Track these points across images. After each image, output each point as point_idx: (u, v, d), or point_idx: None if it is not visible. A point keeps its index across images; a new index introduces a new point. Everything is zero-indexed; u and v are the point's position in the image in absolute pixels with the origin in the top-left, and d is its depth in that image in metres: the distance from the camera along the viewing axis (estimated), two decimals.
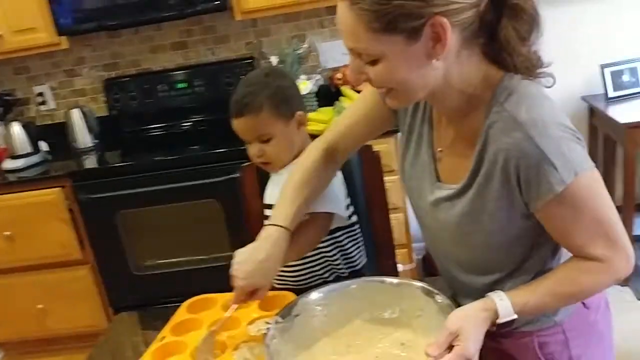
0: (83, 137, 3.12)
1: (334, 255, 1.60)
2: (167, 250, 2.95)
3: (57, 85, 3.34)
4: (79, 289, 2.97)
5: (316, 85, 2.97)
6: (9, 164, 2.96)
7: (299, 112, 1.56)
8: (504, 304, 1.06)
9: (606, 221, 1.05)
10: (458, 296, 1.25)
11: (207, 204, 2.78)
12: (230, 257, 2.78)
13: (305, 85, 2.77)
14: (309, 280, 1.59)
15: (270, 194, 1.63)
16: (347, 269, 1.63)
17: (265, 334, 1.20)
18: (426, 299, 1.23)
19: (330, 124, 1.44)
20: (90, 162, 2.99)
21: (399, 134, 1.29)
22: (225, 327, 1.32)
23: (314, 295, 1.32)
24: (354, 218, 1.66)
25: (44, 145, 3.11)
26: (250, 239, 2.71)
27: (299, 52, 2.91)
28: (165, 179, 2.75)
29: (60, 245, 2.88)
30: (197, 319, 1.39)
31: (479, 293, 1.15)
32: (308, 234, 1.45)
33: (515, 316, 1.06)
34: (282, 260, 1.29)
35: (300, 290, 1.38)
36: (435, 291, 1.22)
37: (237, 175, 2.64)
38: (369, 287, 1.33)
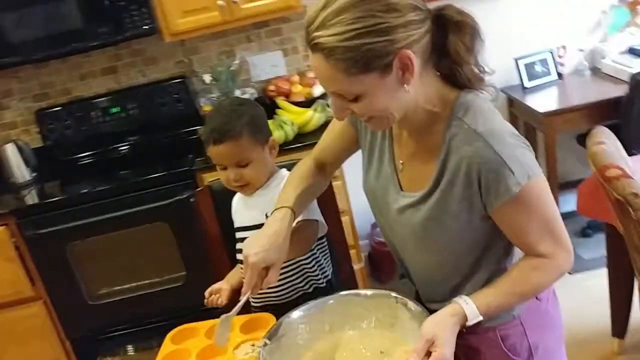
0: (20, 171, 3.06)
1: (312, 266, 1.71)
2: (121, 277, 2.96)
3: None
4: (33, 325, 2.94)
5: (251, 99, 3.05)
6: None
7: (271, 138, 1.68)
8: (470, 308, 1.20)
9: (552, 220, 1.20)
10: (425, 300, 1.38)
11: (156, 227, 2.82)
12: (184, 277, 2.86)
13: None
14: (290, 293, 1.69)
15: (241, 219, 1.73)
16: (323, 278, 1.74)
17: (256, 356, 1.29)
18: (399, 307, 1.36)
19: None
20: (32, 196, 2.94)
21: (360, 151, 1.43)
22: (215, 354, 1.40)
23: (296, 314, 1.41)
24: None
25: None
26: (209, 260, 2.77)
27: (232, 68, 2.97)
28: (112, 207, 2.76)
29: (10, 283, 2.84)
30: (184, 348, 1.46)
31: (443, 296, 1.29)
32: (300, 240, 1.53)
33: (482, 318, 1.20)
34: (289, 237, 1.35)
35: (283, 304, 1.48)
36: (407, 300, 1.34)
37: (184, 196, 2.73)
38: (345, 301, 1.44)
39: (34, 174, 3.11)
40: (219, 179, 2.05)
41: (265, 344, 1.31)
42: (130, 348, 3.03)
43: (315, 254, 1.72)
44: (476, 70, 1.17)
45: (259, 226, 1.63)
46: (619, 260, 2.21)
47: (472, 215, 1.20)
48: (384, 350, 1.33)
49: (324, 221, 1.66)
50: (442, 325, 1.18)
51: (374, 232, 3.33)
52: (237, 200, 1.78)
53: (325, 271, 1.77)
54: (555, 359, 1.41)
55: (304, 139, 2.77)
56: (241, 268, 1.76)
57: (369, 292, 1.45)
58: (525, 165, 1.13)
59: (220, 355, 1.41)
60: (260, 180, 1.67)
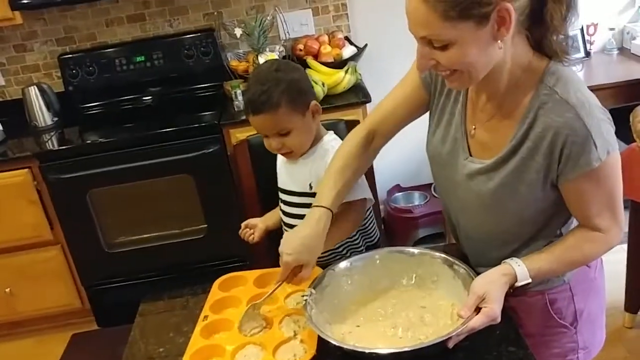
0: (42, 115, 3.04)
1: (355, 235, 1.72)
2: (140, 227, 2.97)
3: (6, 61, 3.22)
4: (49, 269, 2.95)
5: (280, 57, 3.02)
6: None
7: (313, 102, 1.62)
8: (521, 270, 1.23)
9: (616, 196, 1.22)
10: (474, 264, 1.40)
11: (179, 179, 2.81)
12: (204, 230, 2.87)
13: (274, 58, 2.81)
14: (328, 259, 1.69)
15: (285, 181, 1.73)
16: (363, 245, 1.76)
17: (304, 305, 1.31)
18: (443, 267, 1.38)
19: (373, 109, 1.53)
20: (55, 141, 2.93)
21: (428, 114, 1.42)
22: (266, 303, 1.42)
23: (340, 266, 1.44)
24: None
25: None
26: (241, 211, 2.78)
27: (265, 22, 2.93)
28: (134, 157, 2.75)
29: (30, 226, 2.85)
30: (234, 296, 1.47)
31: (496, 261, 1.31)
32: (346, 223, 1.54)
33: (530, 280, 1.23)
34: (324, 238, 1.37)
35: (322, 267, 1.50)
36: (453, 260, 1.37)
37: (210, 150, 2.73)
38: (390, 257, 1.46)
39: (56, 119, 3.08)
40: (254, 134, 2.08)
41: (311, 294, 1.34)
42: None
43: (362, 225, 1.73)
44: (564, 42, 1.17)
45: (299, 194, 1.68)
46: None
47: (545, 185, 1.21)
48: (425, 306, 1.36)
49: (371, 196, 1.64)
50: (493, 283, 1.21)
51: (390, 198, 3.34)
52: (281, 159, 1.76)
53: (372, 236, 1.79)
54: (596, 325, 1.44)
55: (334, 100, 2.77)
56: (282, 221, 1.77)
57: (414, 250, 1.46)
58: (607, 140, 1.15)
59: (271, 303, 1.43)
60: (303, 147, 1.64)
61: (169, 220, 2.96)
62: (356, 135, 1.47)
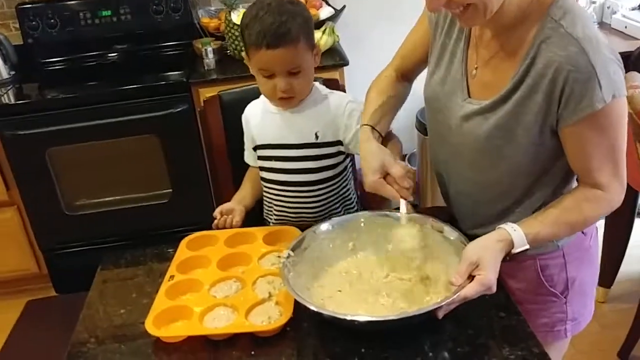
0: None
1: (349, 189, 1.64)
2: (102, 189, 2.82)
3: None
4: (4, 232, 2.79)
5: None
6: None
7: (317, 44, 1.51)
8: (517, 235, 1.13)
9: (619, 149, 1.14)
10: (465, 227, 1.32)
11: (144, 140, 2.67)
12: (169, 194, 2.74)
13: None
14: (324, 213, 1.60)
15: (280, 135, 1.57)
16: (356, 202, 1.67)
17: (281, 268, 1.21)
18: (432, 232, 1.29)
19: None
20: (11, 95, 2.74)
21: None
22: (237, 262, 1.32)
23: (321, 228, 1.34)
24: None
25: None
26: (213, 174, 2.65)
27: None
28: (98, 114, 2.59)
29: None
30: (203, 256, 1.37)
31: (488, 220, 1.23)
32: (394, 145, 1.43)
33: (528, 246, 1.14)
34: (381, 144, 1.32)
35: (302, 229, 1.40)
36: (444, 225, 1.28)
37: (177, 109, 2.59)
38: (373, 222, 1.37)
39: (13, 73, 2.90)
40: (224, 91, 1.95)
41: (289, 256, 1.24)
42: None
43: (349, 176, 1.64)
44: None
45: (302, 146, 1.55)
46: (620, 210, 2.20)
47: (543, 129, 1.13)
48: (411, 273, 1.27)
49: None
50: (488, 249, 1.12)
51: None
52: (264, 113, 1.60)
53: (351, 202, 1.70)
54: (587, 296, 1.38)
55: None
56: (265, 187, 1.66)
57: (402, 214, 1.36)
58: (614, 82, 1.06)
59: (243, 264, 1.33)
60: (306, 91, 1.53)
61: (132, 184, 2.82)
62: (384, 73, 1.45)
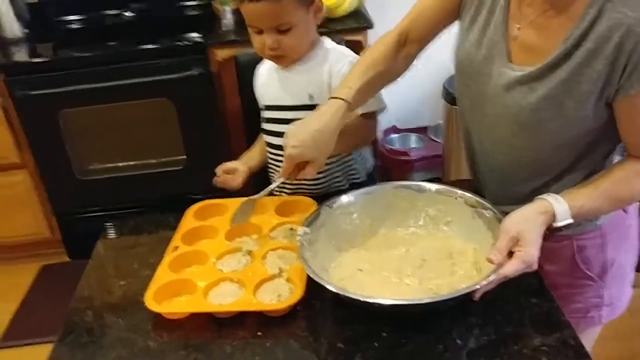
0: (10, 25, 2.75)
1: (354, 161, 1.52)
2: (115, 154, 2.75)
3: None
4: (17, 195, 2.73)
5: None
6: None
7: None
8: (561, 207, 1.01)
9: None
10: (493, 203, 1.20)
11: (158, 103, 2.57)
12: (184, 161, 2.67)
13: None
14: (326, 187, 1.49)
15: (276, 95, 1.48)
16: (365, 172, 1.55)
17: (298, 246, 1.11)
18: (460, 204, 1.18)
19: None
20: (24, 54, 2.67)
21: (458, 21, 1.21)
22: (246, 234, 1.23)
23: (337, 203, 1.23)
24: None
25: None
26: (226, 140, 2.57)
27: None
28: (111, 75, 2.49)
29: None
30: (210, 226, 1.27)
31: (519, 197, 1.11)
32: (352, 136, 1.33)
33: (572, 220, 1.02)
34: (336, 134, 1.17)
35: (316, 198, 1.30)
36: (474, 197, 1.16)
37: (193, 72, 2.49)
38: (395, 194, 1.26)
39: (26, 31, 2.81)
40: (242, 52, 1.85)
41: (305, 233, 1.14)
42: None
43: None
44: None
45: (296, 108, 1.43)
46: None
47: (599, 101, 1.00)
48: (436, 250, 1.16)
49: (386, 105, 1.43)
50: (529, 222, 1.00)
51: (386, 139, 3.14)
52: (269, 71, 1.52)
53: (369, 163, 1.58)
54: (625, 280, 1.27)
55: (332, 24, 2.51)
56: (269, 152, 1.56)
57: (427, 185, 1.25)
58: None
59: (253, 235, 1.23)
60: (301, 50, 1.42)
61: (146, 149, 2.74)
62: (386, 37, 1.27)
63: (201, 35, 2.54)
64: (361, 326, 1.02)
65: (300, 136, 1.14)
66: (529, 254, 0.97)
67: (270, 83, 1.51)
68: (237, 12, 2.60)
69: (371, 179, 1.57)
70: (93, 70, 2.50)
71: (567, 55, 0.99)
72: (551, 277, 1.17)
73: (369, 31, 2.51)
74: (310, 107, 1.38)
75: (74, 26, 2.88)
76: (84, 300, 1.15)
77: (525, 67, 1.05)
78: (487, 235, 1.10)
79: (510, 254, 0.98)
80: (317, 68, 1.42)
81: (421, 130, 3.15)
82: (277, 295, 1.06)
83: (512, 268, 0.96)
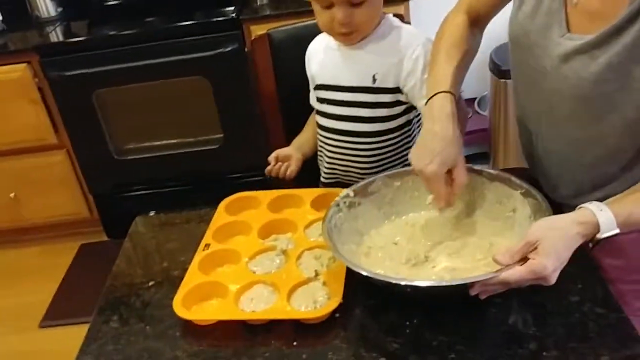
0: (44, 4, 2.72)
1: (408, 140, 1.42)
2: (151, 133, 2.70)
3: None
4: (55, 175, 2.72)
5: None
6: None
7: None
8: (605, 216, 0.89)
9: None
10: (552, 196, 1.09)
11: (193, 82, 2.51)
12: (221, 140, 2.61)
13: None
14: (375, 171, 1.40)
15: (337, 74, 1.37)
16: None
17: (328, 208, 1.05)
18: (514, 195, 1.07)
19: None
20: (57, 34, 2.62)
21: None
22: (280, 230, 1.16)
23: (391, 175, 1.15)
24: None
25: None
26: (261, 120, 2.50)
27: None
28: (145, 53, 2.44)
29: (32, 128, 2.58)
30: (243, 221, 1.20)
31: (580, 190, 1.00)
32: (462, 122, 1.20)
33: (618, 230, 0.89)
34: (456, 124, 1.05)
35: None
36: (530, 189, 1.05)
37: (228, 48, 2.41)
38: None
39: (60, 10, 2.76)
40: (275, 27, 1.75)
41: (347, 196, 1.06)
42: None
43: (414, 132, 1.41)
44: None
45: (358, 89, 1.33)
46: None
47: None
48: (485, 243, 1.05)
49: None
50: (556, 231, 0.89)
51: None
52: (327, 48, 1.40)
53: None
54: None
55: None
56: (319, 135, 1.47)
57: (492, 171, 1.12)
58: None
59: (288, 232, 1.15)
60: (372, 25, 1.31)
61: (183, 128, 2.68)
62: (454, 19, 1.18)
63: (235, 10, 2.45)
64: (407, 337, 0.93)
65: (427, 148, 1.02)
66: (540, 265, 0.86)
67: (328, 61, 1.40)
68: None
69: None
70: (127, 49, 2.44)
71: (632, 18, 0.88)
72: (613, 273, 1.06)
73: (410, 2, 2.38)
74: (372, 90, 1.29)
75: (107, 4, 2.82)
76: (110, 305, 1.09)
77: (585, 35, 0.94)
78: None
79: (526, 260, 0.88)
80: (387, 48, 1.32)
81: (468, 103, 2.98)
82: (313, 302, 0.98)
83: (516, 274, 0.86)
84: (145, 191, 2.79)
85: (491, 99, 2.65)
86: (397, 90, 1.31)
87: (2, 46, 2.54)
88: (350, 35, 1.30)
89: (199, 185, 2.74)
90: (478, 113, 2.92)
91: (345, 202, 1.06)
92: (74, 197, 2.79)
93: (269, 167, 1.40)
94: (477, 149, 2.86)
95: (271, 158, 1.40)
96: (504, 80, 2.44)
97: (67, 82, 2.47)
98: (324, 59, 1.41)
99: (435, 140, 1.02)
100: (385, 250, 1.05)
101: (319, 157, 1.53)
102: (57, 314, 2.49)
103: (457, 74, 1.10)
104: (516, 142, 2.44)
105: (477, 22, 1.18)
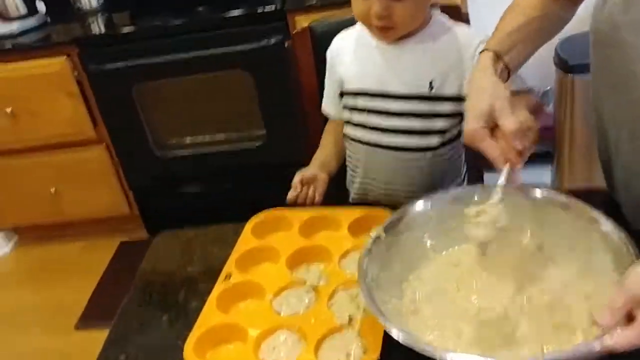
0: None
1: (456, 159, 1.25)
2: (192, 128, 2.60)
3: None
4: (94, 170, 2.65)
5: None
6: (0, 29, 2.51)
7: None
8: None
9: None
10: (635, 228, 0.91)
11: (236, 74, 2.39)
12: (263, 136, 2.49)
13: None
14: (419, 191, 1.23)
15: (382, 79, 1.20)
16: (461, 178, 1.28)
17: (361, 254, 0.88)
18: (590, 226, 0.89)
19: None
20: (98, 26, 2.55)
21: None
22: (312, 259, 1.00)
23: (428, 204, 0.97)
24: None
25: (41, 6, 2.64)
26: (296, 119, 2.36)
27: None
28: (186, 46, 2.33)
29: (70, 122, 2.51)
30: (271, 247, 1.05)
31: None
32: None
33: None
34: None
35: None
36: (600, 215, 0.87)
37: (272, 41, 2.26)
38: (514, 201, 0.93)
39: (102, 1, 2.67)
40: (317, 20, 1.59)
41: (378, 237, 0.90)
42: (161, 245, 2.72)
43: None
44: None
45: (411, 98, 1.16)
46: None
47: None
48: (540, 286, 0.87)
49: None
50: None
51: None
52: (358, 47, 1.24)
53: (463, 170, 1.31)
54: None
55: None
56: (348, 152, 1.31)
57: (498, 187, 0.92)
58: None
59: (321, 262, 1.00)
60: (414, 23, 1.14)
61: (224, 124, 2.57)
62: None
63: (280, 0, 2.30)
64: None
65: (478, 109, 0.88)
66: None
67: (364, 62, 1.23)
68: None
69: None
70: (168, 41, 2.35)
71: None
72: None
73: None
74: (428, 99, 1.13)
75: None
76: (118, 341, 0.96)
77: None
78: (614, 277, 0.81)
79: (631, 318, 0.70)
80: (443, 49, 1.16)
81: None
82: (346, 355, 0.83)
83: (624, 341, 0.68)
84: (186, 187, 2.70)
85: (556, 95, 2.42)
86: (458, 98, 1.14)
87: (43, 39, 2.48)
88: (387, 32, 1.13)
89: (240, 181, 2.62)
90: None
91: (378, 247, 0.90)
92: (113, 193, 2.72)
93: (293, 194, 1.22)
94: (538, 147, 2.62)
95: (296, 183, 1.23)
96: (571, 75, 2.22)
97: (106, 75, 2.39)
98: (357, 59, 1.24)
99: (468, 99, 0.92)
100: (435, 304, 0.87)
101: (350, 175, 1.36)
102: (92, 315, 2.42)
103: (512, 35, 0.95)
104: (584, 144, 2.23)
105: None
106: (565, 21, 1.03)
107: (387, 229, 0.92)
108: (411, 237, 0.94)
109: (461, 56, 1.14)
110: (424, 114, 1.17)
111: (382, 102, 1.20)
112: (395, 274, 0.90)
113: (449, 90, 1.15)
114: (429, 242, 0.96)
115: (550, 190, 0.97)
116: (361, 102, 1.24)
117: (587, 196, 0.93)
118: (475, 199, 0.94)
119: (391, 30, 1.13)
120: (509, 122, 0.86)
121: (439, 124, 1.17)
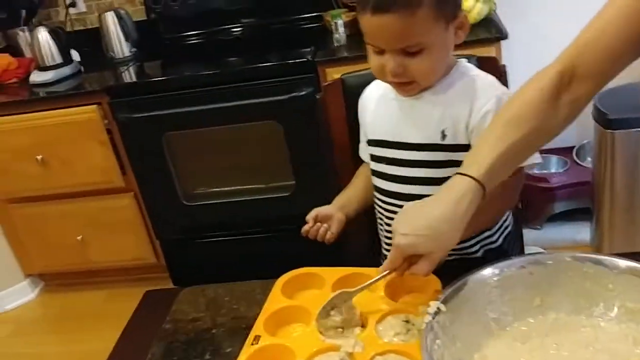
0: (119, 45, 2.68)
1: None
2: (220, 178, 2.58)
3: None
4: (122, 219, 2.64)
5: None
6: (36, 77, 2.55)
7: (463, 13, 1.08)
8: None
9: None
10: None
11: (265, 126, 2.37)
12: (292, 186, 2.46)
13: None
14: (452, 256, 1.17)
15: (398, 130, 1.18)
16: (501, 234, 1.22)
17: (423, 330, 0.82)
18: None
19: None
20: (129, 75, 2.57)
21: None
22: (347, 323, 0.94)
23: (489, 271, 0.92)
24: None
25: (75, 55, 2.69)
26: (326, 170, 2.32)
27: None
28: (217, 96, 2.33)
29: (100, 170, 2.52)
30: (301, 306, 0.99)
31: None
32: (489, 209, 1.02)
33: None
34: (464, 225, 0.88)
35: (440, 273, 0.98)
36: None
37: (302, 92, 2.25)
38: (573, 268, 0.91)
39: (134, 50, 2.72)
40: (350, 73, 1.57)
41: (438, 311, 0.84)
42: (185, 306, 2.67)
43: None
44: None
45: (425, 147, 1.13)
46: None
47: None
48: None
49: (538, 158, 1.08)
50: None
51: None
52: (383, 97, 1.22)
53: (506, 223, 1.24)
54: None
55: None
56: (377, 200, 1.27)
57: (619, 261, 0.88)
58: None
59: (356, 326, 0.94)
60: (433, 77, 1.11)
61: (253, 174, 2.55)
62: (543, 76, 0.94)
63: (310, 52, 2.30)
64: None
65: (414, 223, 0.88)
66: None
67: (383, 112, 1.21)
68: (350, 26, 2.33)
69: (507, 243, 1.23)
70: (199, 91, 2.34)
71: None
72: None
73: (503, 42, 2.15)
74: (442, 148, 1.09)
75: (180, 43, 2.76)
76: None
77: None
78: None
79: None
80: (455, 97, 1.12)
81: (564, 152, 2.69)
82: None
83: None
84: (214, 238, 2.66)
85: (595, 151, 2.35)
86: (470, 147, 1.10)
87: (75, 87, 2.50)
88: (405, 87, 1.11)
89: (269, 233, 2.58)
90: (576, 163, 2.63)
91: (438, 322, 0.84)
92: (140, 242, 2.69)
93: (306, 227, 1.20)
94: (577, 204, 2.55)
95: (310, 217, 1.21)
96: (610, 131, 2.16)
97: (136, 124, 2.39)
98: (378, 110, 1.22)
99: (424, 221, 0.89)
100: None
101: (378, 225, 1.32)
102: None
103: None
104: (625, 200, 2.14)
105: (573, 82, 0.92)
106: (568, 121, 0.95)
107: (446, 301, 0.86)
108: (470, 311, 0.89)
109: (472, 105, 1.10)
110: (438, 163, 1.13)
111: (395, 151, 1.19)
112: (459, 354, 0.84)
113: (462, 139, 1.11)
114: (489, 316, 0.90)
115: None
116: (377, 151, 1.22)
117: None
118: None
119: (410, 85, 1.10)
120: (423, 269, 0.89)
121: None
